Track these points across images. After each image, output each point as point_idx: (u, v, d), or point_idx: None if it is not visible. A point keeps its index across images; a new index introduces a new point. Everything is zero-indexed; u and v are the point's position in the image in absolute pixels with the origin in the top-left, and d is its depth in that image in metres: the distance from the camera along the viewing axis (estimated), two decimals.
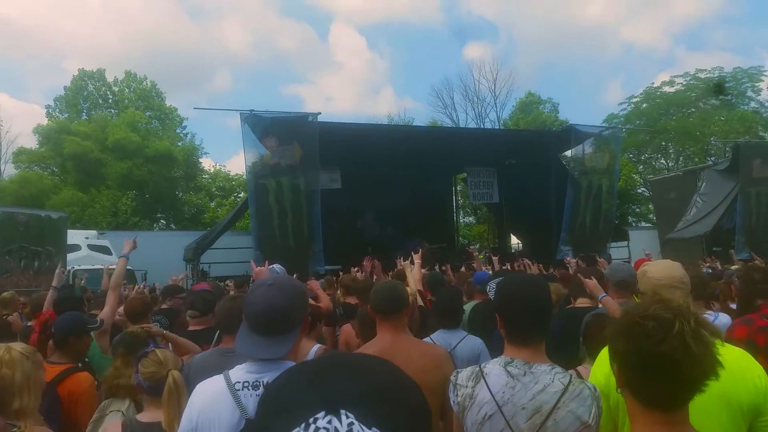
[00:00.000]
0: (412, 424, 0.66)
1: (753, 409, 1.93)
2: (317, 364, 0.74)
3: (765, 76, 37.34)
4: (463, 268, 10.57)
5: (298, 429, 0.61)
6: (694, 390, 1.35)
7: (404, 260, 5.96)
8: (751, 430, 1.94)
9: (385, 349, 2.68)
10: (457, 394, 2.03)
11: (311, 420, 0.61)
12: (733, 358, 1.93)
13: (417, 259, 5.71)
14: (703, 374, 1.31)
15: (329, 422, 0.61)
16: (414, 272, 5.52)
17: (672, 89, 38.11)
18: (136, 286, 10.92)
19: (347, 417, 0.61)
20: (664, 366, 1.31)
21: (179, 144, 39.30)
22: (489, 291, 4.45)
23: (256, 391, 1.82)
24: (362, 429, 0.60)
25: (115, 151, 33.78)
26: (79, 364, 3.50)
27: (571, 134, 15.90)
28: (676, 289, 2.37)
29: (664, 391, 1.36)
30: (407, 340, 2.85)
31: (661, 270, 2.48)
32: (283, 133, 13.10)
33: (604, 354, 2.15)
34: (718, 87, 34.62)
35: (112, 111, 39.78)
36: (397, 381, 0.71)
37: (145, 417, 2.49)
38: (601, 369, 2.16)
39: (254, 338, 1.87)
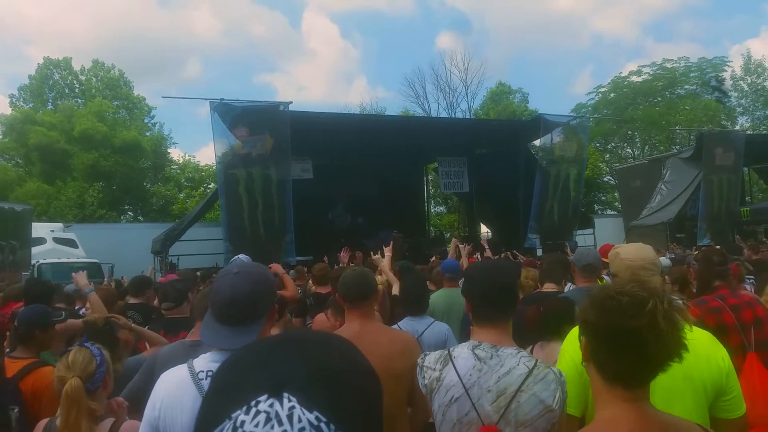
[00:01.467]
0: (358, 408, 0.65)
1: (716, 389, 1.99)
2: (269, 343, 0.73)
3: (728, 66, 38.45)
4: (433, 257, 10.63)
5: (239, 411, 0.61)
6: (658, 369, 1.37)
7: (376, 253, 5.97)
8: (712, 410, 2.00)
9: (353, 337, 2.67)
10: (424, 377, 2.06)
11: (253, 403, 0.61)
12: (699, 340, 1.99)
13: (388, 251, 5.72)
14: (668, 355, 1.34)
15: (270, 405, 0.60)
16: (384, 263, 5.53)
17: (639, 79, 38.82)
18: (104, 282, 10.72)
19: (289, 401, 0.60)
20: (631, 342, 1.33)
21: (147, 134, 38.61)
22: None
23: None
24: (303, 413, 0.60)
25: (82, 142, 33.04)
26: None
27: (540, 124, 16.08)
28: (647, 270, 2.42)
29: (628, 368, 1.38)
30: (375, 327, 2.85)
31: (634, 251, 2.52)
32: (253, 123, 12.94)
33: (574, 333, 2.20)
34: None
35: (79, 101, 38.79)
36: (347, 363, 0.69)
37: None
38: (572, 346, 2.20)
39: (219, 328, 1.83)
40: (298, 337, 0.74)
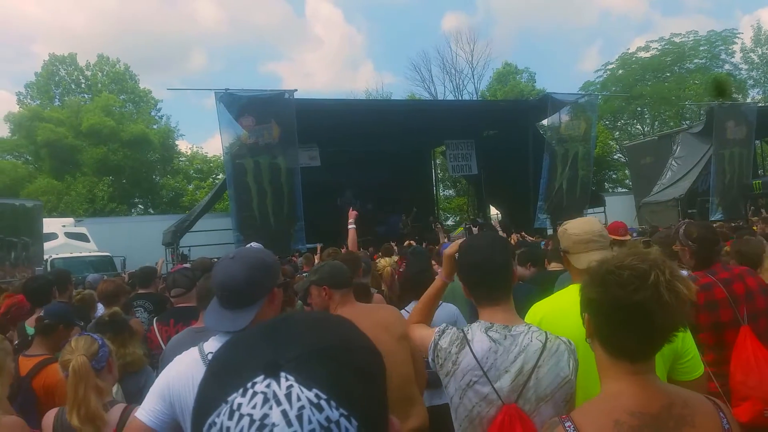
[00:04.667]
0: (358, 385, 0.63)
1: (673, 353, 2.04)
2: (265, 325, 0.71)
3: (738, 38, 37.79)
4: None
5: (235, 394, 0.59)
6: (663, 341, 1.35)
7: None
8: (671, 372, 2.06)
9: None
10: (438, 356, 2.03)
11: (249, 384, 0.60)
12: None
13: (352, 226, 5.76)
14: (674, 325, 1.31)
15: (267, 386, 0.59)
16: (350, 237, 5.60)
17: (647, 54, 38.36)
18: (121, 274, 10.76)
19: (287, 380, 0.59)
20: (635, 316, 1.30)
21: (154, 127, 38.80)
22: None
23: None
24: (302, 391, 0.58)
25: (90, 137, 33.29)
26: None
27: (547, 103, 15.96)
28: (595, 242, 2.40)
29: (634, 341, 1.35)
30: (354, 309, 2.97)
31: (580, 226, 2.51)
32: (259, 112, 12.95)
33: (531, 313, 2.29)
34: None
35: (86, 96, 38.99)
36: (345, 341, 0.68)
37: None
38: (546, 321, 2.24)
39: (220, 311, 1.88)
40: (294, 318, 0.73)
